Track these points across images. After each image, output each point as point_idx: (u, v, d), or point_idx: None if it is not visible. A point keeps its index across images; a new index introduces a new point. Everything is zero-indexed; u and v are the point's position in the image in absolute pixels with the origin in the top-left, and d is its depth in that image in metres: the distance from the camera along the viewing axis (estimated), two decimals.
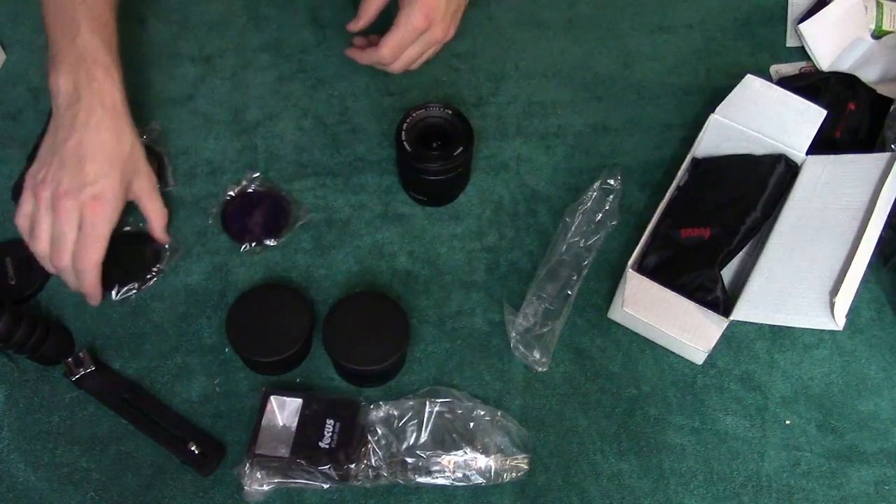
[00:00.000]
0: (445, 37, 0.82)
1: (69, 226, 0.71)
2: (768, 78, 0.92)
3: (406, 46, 0.81)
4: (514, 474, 0.72)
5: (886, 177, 0.73)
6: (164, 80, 0.92)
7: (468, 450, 0.72)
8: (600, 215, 0.84)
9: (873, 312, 0.81)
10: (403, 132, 0.79)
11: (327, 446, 0.70)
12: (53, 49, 0.73)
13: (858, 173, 0.75)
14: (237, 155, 0.88)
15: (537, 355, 0.77)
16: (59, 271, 0.74)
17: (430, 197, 0.84)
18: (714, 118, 0.84)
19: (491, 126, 0.91)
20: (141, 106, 0.90)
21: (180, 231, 0.83)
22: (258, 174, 0.86)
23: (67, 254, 0.72)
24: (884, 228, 0.73)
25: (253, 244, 0.82)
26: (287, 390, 0.73)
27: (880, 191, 0.72)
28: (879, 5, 0.95)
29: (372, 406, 0.73)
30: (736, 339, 0.79)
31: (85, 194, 0.71)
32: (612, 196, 0.85)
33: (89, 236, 0.72)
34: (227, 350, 0.77)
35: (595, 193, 0.85)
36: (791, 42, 0.97)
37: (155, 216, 0.78)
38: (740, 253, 0.79)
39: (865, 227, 0.70)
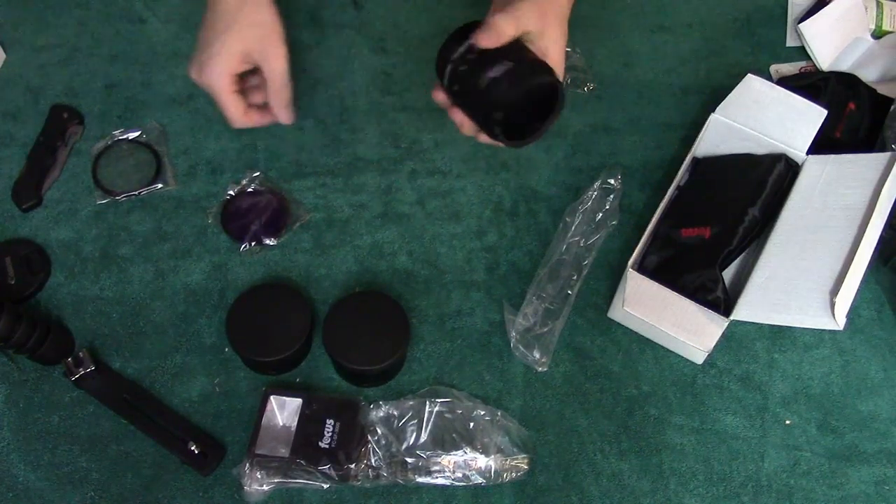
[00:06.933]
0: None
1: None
2: (768, 78, 0.92)
3: None
4: (514, 474, 0.72)
5: (886, 177, 0.73)
6: (164, 80, 0.92)
7: (468, 450, 0.72)
8: (600, 215, 0.84)
9: (873, 312, 0.81)
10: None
11: (327, 446, 0.70)
12: None
13: (858, 173, 0.75)
14: (237, 155, 0.88)
15: (537, 355, 0.77)
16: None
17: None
18: (714, 118, 0.84)
19: None
20: (141, 106, 0.90)
21: (180, 230, 0.83)
22: (258, 174, 0.86)
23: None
24: (884, 228, 0.73)
25: (253, 244, 0.82)
26: (287, 390, 0.73)
27: (880, 191, 0.72)
28: (879, 5, 0.95)
29: (372, 406, 0.73)
30: (736, 339, 0.79)
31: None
32: (612, 196, 0.85)
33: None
34: (227, 350, 0.77)
35: (595, 193, 0.85)
36: (791, 42, 0.97)
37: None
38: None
39: (865, 227, 0.70)
